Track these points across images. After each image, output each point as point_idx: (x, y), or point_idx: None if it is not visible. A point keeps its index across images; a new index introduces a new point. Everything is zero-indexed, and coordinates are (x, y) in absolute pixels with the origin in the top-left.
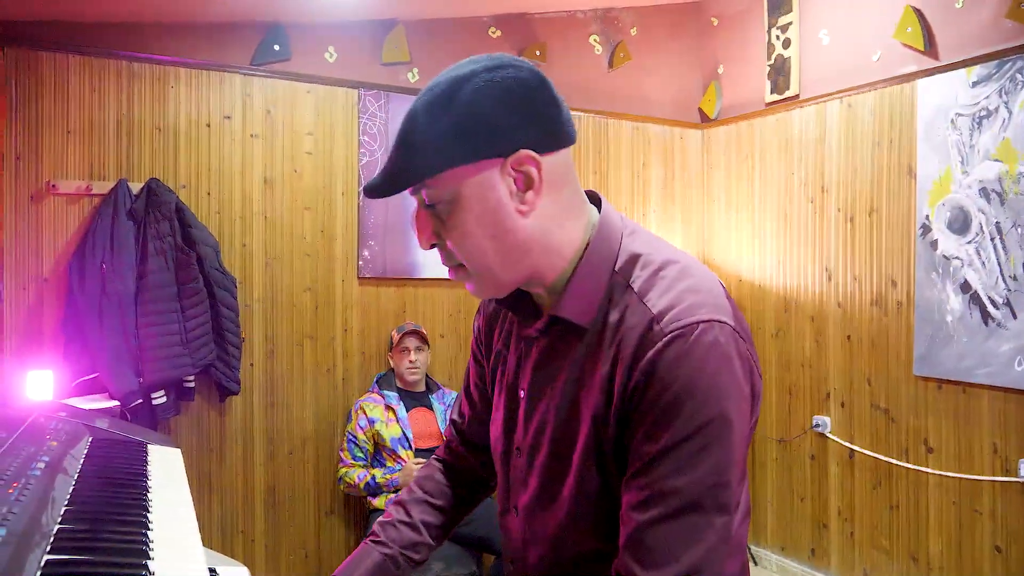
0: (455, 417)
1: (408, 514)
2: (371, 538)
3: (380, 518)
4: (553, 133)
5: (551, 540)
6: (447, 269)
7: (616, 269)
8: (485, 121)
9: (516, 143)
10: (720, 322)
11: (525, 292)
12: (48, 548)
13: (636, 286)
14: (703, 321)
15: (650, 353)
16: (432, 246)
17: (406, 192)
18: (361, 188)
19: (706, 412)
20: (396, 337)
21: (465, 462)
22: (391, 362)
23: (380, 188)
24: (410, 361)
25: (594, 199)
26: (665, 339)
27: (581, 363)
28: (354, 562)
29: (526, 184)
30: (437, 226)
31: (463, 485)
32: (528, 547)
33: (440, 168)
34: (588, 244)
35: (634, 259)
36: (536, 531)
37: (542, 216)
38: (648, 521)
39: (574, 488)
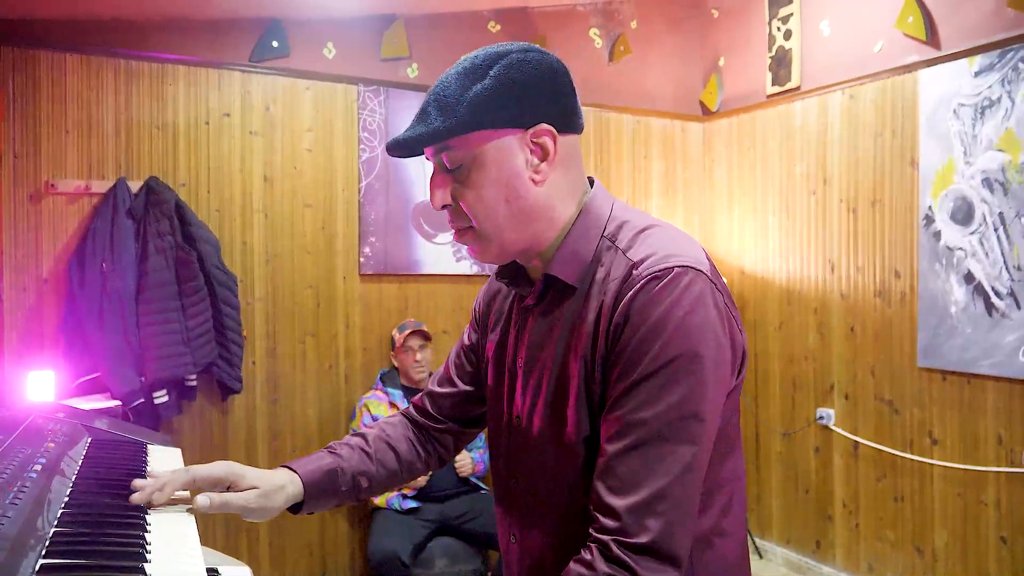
0: (433, 387)
1: (368, 444)
2: (328, 448)
3: (339, 441)
4: (569, 117)
5: (554, 495)
6: (451, 267)
7: (605, 234)
8: (514, 93)
9: (537, 117)
10: (696, 270)
11: (523, 268)
12: (43, 552)
13: (621, 245)
14: (678, 267)
15: (628, 295)
16: (444, 207)
17: (407, 188)
18: (385, 148)
19: (675, 348)
20: (399, 337)
21: (430, 426)
22: (395, 361)
23: (407, 144)
24: (415, 360)
25: (589, 181)
26: (641, 281)
27: (571, 320)
28: (308, 460)
29: (542, 155)
30: (454, 188)
31: (426, 447)
32: (532, 513)
33: (467, 129)
34: (579, 213)
35: (621, 225)
36: (539, 492)
37: (551, 189)
38: (617, 451)
39: (571, 438)
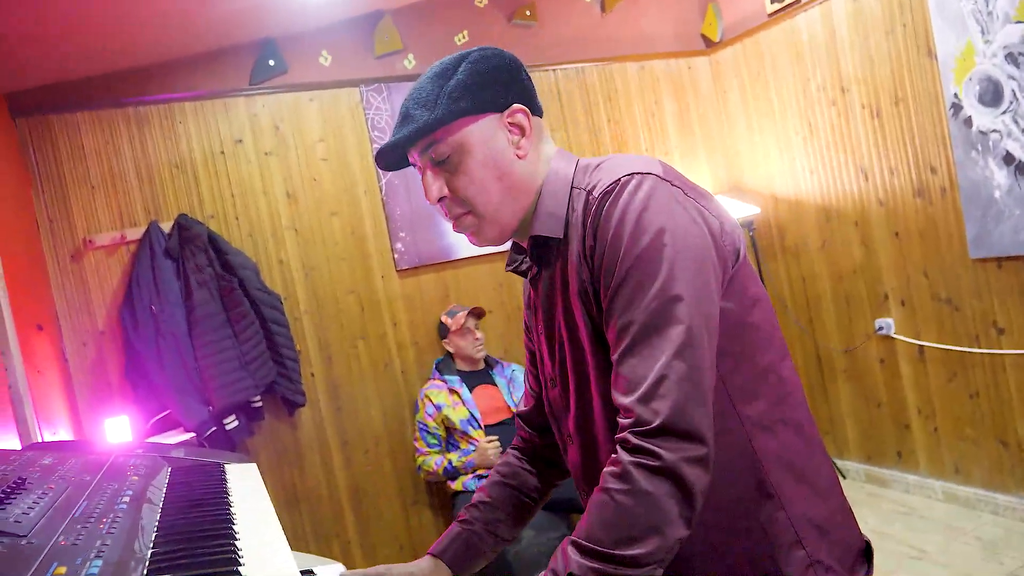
0: (520, 408)
1: (488, 495)
2: (458, 519)
3: (468, 504)
4: (532, 100)
5: (600, 444)
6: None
7: (573, 184)
8: (484, 81)
9: (509, 100)
10: (642, 174)
11: (524, 249)
12: (144, 572)
13: (581, 185)
14: (624, 175)
15: (590, 218)
16: (440, 200)
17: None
18: (375, 159)
19: (638, 245)
20: (454, 320)
21: (534, 445)
22: (449, 347)
23: (397, 145)
24: (476, 338)
25: None
26: (598, 201)
27: (563, 268)
28: (443, 541)
29: (520, 132)
30: (447, 179)
31: (537, 465)
32: (588, 465)
33: (451, 118)
34: (545, 176)
35: (583, 170)
36: (588, 444)
37: (531, 162)
38: (620, 355)
39: (598, 381)
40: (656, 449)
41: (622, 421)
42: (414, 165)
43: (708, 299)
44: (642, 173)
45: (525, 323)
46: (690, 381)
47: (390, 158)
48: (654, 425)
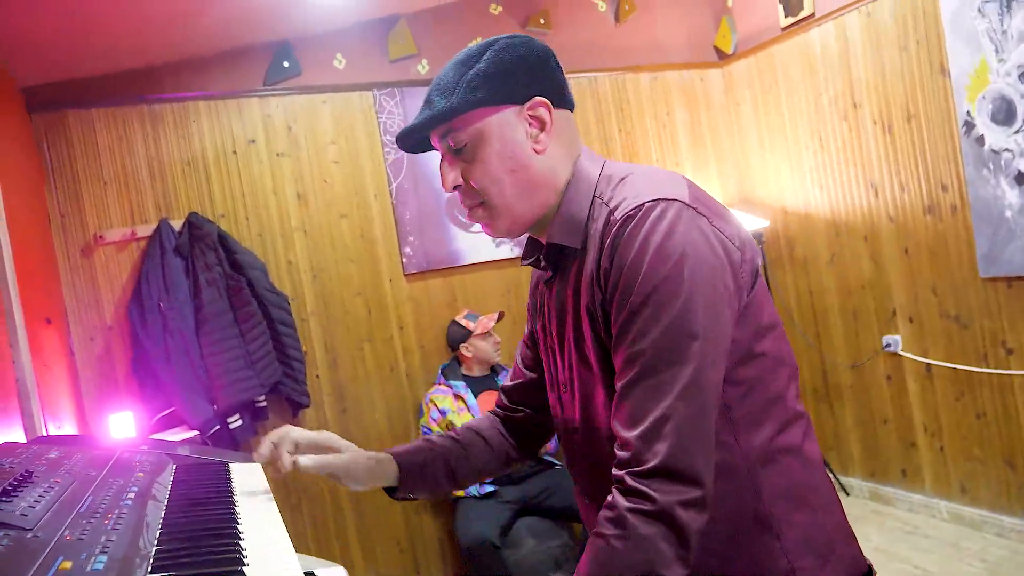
0: (506, 383)
1: (458, 434)
2: (424, 438)
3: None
4: (560, 93)
5: (606, 456)
6: (492, 253)
7: (596, 193)
8: (507, 72)
9: (532, 92)
10: (668, 200)
11: (542, 246)
12: (149, 569)
13: (604, 197)
14: (649, 201)
15: (609, 240)
16: (455, 188)
17: (436, 183)
18: (395, 141)
19: (657, 275)
20: (480, 324)
21: (512, 417)
22: (467, 351)
23: (415, 130)
24: (496, 341)
25: None
26: (619, 224)
27: (578, 279)
28: (404, 448)
29: (540, 126)
30: (463, 168)
31: (511, 431)
32: (596, 478)
33: (468, 107)
34: (570, 178)
35: (607, 179)
36: (593, 456)
37: (552, 159)
38: (625, 385)
39: (604, 396)
40: (650, 492)
41: (620, 454)
42: (437, 149)
43: (721, 336)
44: (667, 199)
45: (528, 309)
46: (692, 423)
47: (409, 141)
48: (651, 466)
